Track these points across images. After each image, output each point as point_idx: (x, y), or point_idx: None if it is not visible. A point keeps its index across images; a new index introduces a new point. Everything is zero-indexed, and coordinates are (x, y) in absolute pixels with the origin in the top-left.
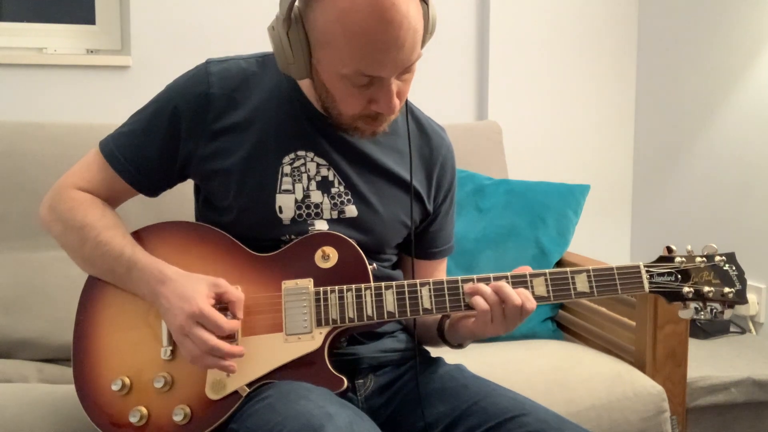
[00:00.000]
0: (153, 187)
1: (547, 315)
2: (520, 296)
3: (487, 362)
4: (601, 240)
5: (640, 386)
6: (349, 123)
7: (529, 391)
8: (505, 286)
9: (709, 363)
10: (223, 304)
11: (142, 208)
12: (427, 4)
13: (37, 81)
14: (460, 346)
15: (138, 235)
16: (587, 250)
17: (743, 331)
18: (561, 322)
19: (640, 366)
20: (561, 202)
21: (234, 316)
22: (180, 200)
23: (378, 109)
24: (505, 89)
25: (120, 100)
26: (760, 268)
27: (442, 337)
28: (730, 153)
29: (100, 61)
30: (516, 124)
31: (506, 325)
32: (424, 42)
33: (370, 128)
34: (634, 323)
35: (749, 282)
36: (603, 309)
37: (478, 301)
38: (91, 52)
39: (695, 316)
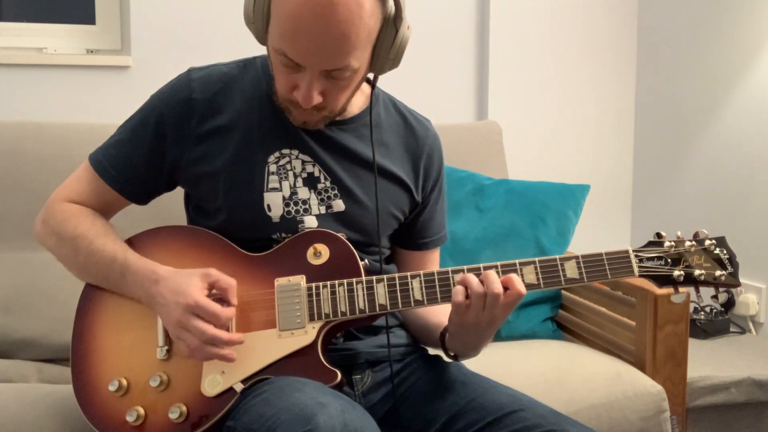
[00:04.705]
0: (142, 196)
1: (547, 315)
2: (509, 283)
3: (487, 362)
4: (601, 240)
5: (640, 386)
6: (283, 104)
7: (529, 391)
8: (491, 274)
9: (709, 363)
10: (216, 294)
11: (142, 212)
12: (396, 29)
13: (37, 81)
14: (455, 357)
15: (132, 242)
16: (587, 250)
17: (743, 331)
18: (561, 322)
19: (640, 366)
20: (561, 202)
21: (229, 304)
22: (180, 204)
23: (297, 96)
24: (505, 89)
25: (120, 100)
26: (760, 268)
27: (442, 342)
28: (730, 153)
29: (100, 61)
30: (516, 124)
31: (486, 315)
32: (377, 62)
33: (300, 116)
34: (634, 323)
35: (749, 282)
36: (603, 309)
37: (457, 289)
38: (91, 52)
39: (693, 299)
